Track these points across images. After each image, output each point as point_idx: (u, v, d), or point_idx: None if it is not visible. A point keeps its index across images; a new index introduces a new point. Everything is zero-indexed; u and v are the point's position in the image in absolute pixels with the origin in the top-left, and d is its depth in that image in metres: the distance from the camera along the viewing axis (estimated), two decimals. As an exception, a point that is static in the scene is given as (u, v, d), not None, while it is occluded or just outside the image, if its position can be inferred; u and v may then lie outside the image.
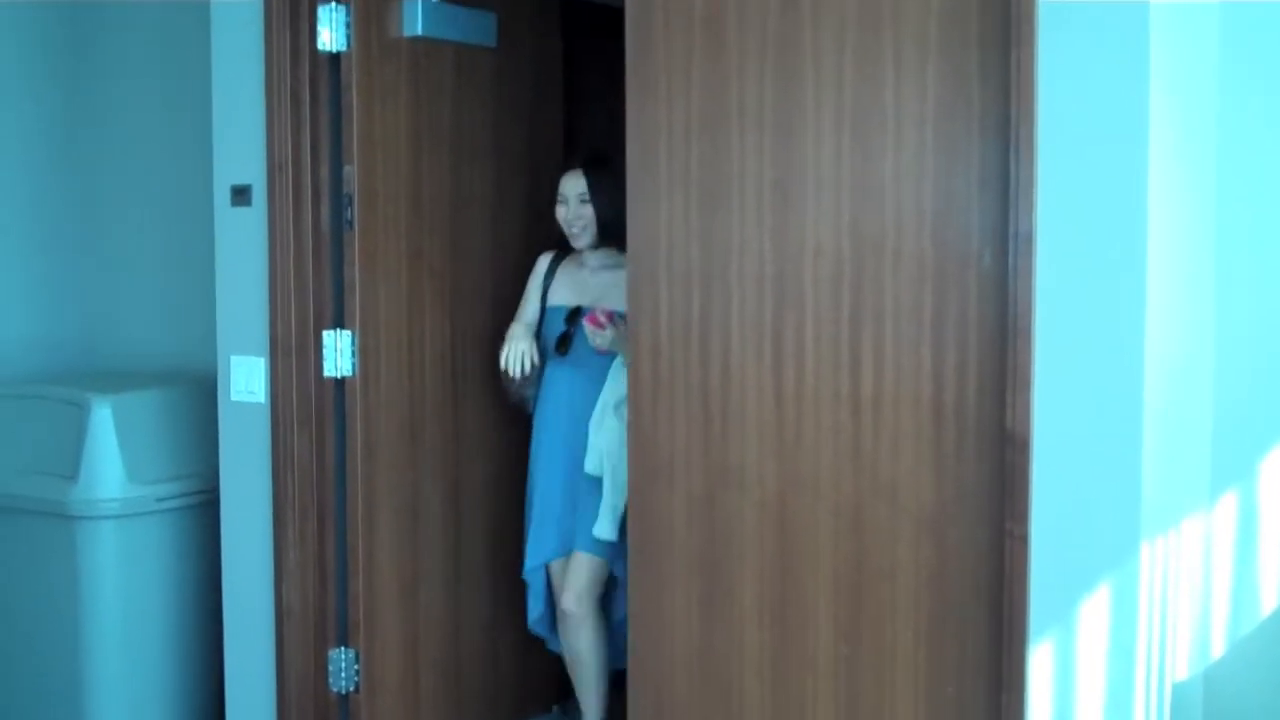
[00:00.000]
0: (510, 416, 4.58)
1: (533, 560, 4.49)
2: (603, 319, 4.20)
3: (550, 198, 4.44)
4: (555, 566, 4.50)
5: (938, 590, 3.22)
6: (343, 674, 4.20)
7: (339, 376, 4.17)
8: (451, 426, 4.45)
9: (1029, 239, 2.99)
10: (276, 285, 4.13)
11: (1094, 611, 2.99)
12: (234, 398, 4.27)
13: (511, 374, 4.33)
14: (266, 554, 4.23)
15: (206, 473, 4.48)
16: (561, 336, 4.39)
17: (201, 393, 4.54)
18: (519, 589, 4.59)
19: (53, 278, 5.08)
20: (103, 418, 4.35)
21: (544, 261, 4.53)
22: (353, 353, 4.14)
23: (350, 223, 4.11)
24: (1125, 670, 2.99)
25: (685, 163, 3.47)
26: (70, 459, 4.33)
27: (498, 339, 4.43)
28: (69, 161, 5.12)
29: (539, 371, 4.44)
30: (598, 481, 4.31)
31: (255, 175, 4.16)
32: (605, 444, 4.28)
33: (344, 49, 4.08)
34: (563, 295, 4.45)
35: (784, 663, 3.42)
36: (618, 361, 4.29)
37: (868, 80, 3.23)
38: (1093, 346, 2.97)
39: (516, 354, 4.32)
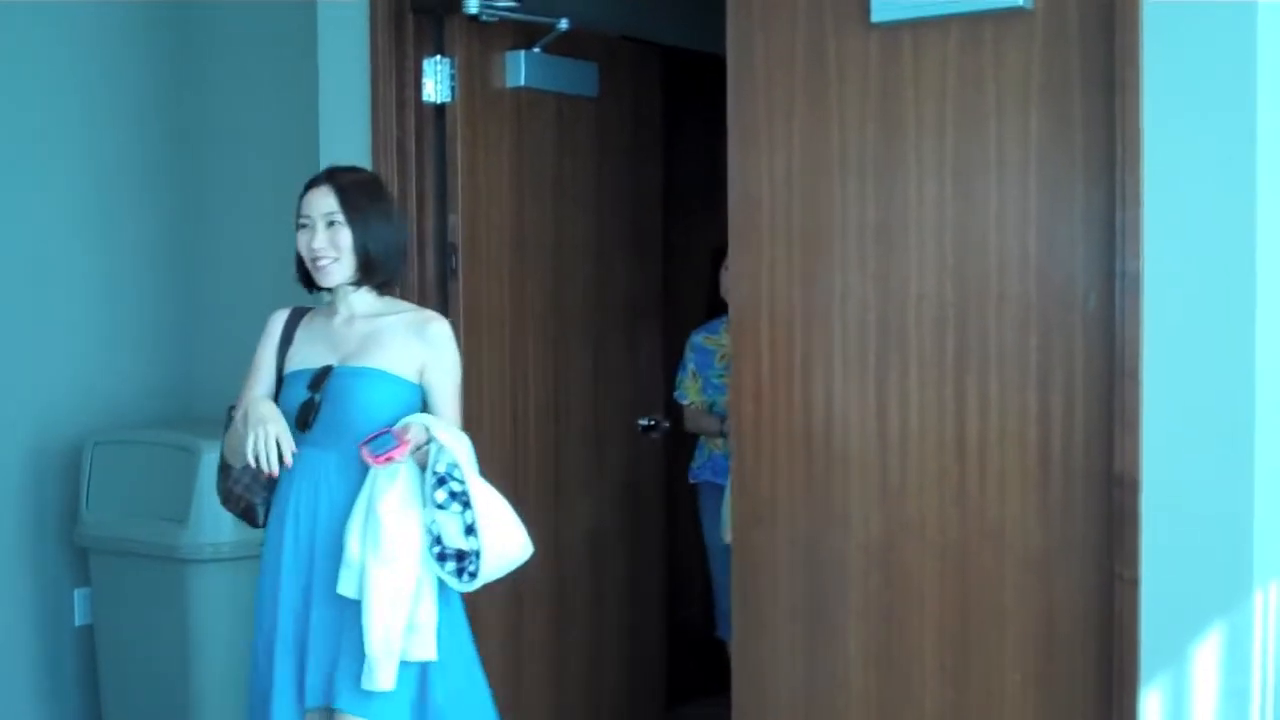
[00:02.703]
0: (614, 462, 4.60)
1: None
2: (397, 449, 3.13)
3: (651, 248, 4.46)
4: None
5: (1046, 635, 3.21)
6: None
7: (444, 422, 4.21)
8: (553, 473, 4.48)
9: (1135, 279, 2.99)
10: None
11: (1206, 655, 2.96)
12: (341, 443, 4.32)
13: (265, 467, 3.15)
14: (373, 597, 4.27)
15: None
16: (304, 406, 3.28)
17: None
18: (610, 636, 4.60)
19: (163, 325, 5.18)
20: (212, 463, 4.37)
21: (277, 320, 3.48)
22: (457, 399, 4.18)
23: (455, 271, 4.18)
24: (1239, 715, 2.95)
25: (787, 209, 3.50)
26: (181, 503, 4.41)
27: (599, 387, 4.47)
28: (179, 212, 5.23)
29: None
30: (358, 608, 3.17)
31: (362, 225, 4.22)
32: (366, 555, 3.16)
33: (448, 100, 4.16)
34: (305, 355, 3.37)
35: (889, 708, 3.41)
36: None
37: (969, 125, 3.25)
38: (1202, 387, 2.95)
39: (266, 439, 3.15)
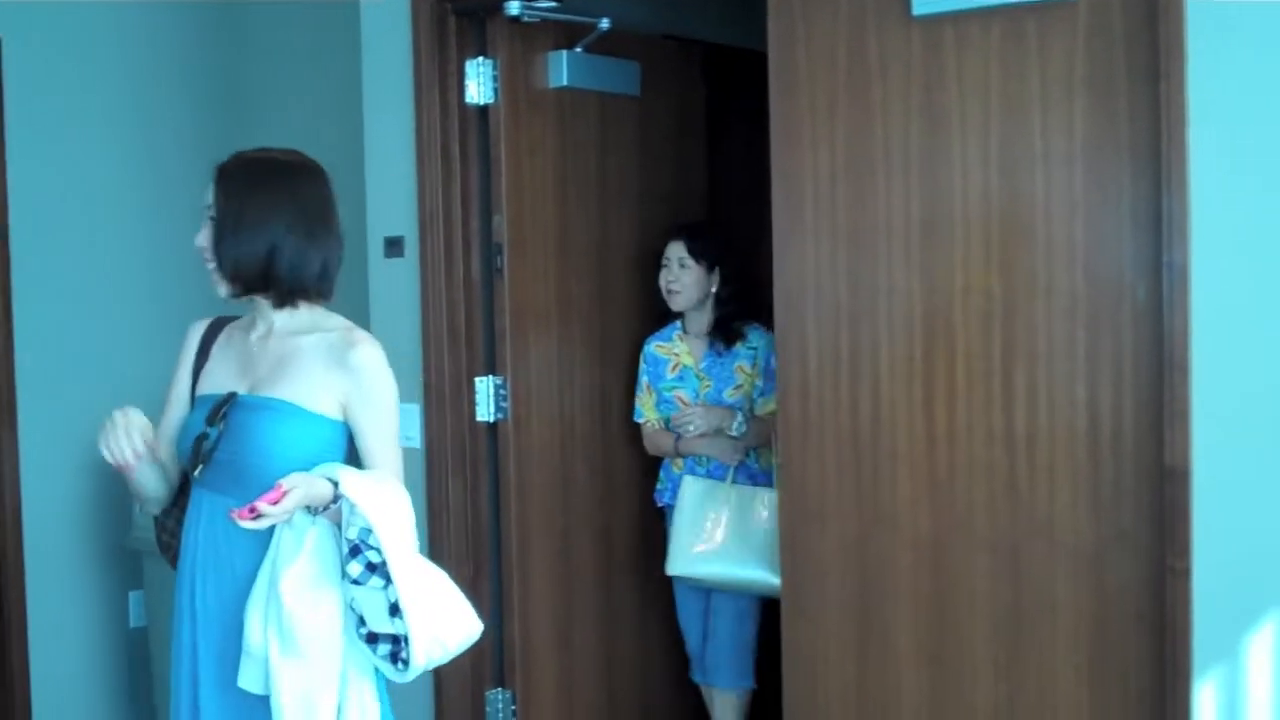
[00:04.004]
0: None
1: None
2: (268, 500, 2.58)
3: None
4: None
5: (1098, 628, 3.19)
6: (500, 715, 4.26)
7: (491, 421, 4.24)
8: (601, 470, 4.50)
9: (1183, 270, 2.97)
10: (429, 333, 4.22)
11: (1260, 647, 2.94)
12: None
13: (112, 460, 2.70)
14: (424, 597, 4.30)
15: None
16: (197, 441, 2.79)
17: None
18: (670, 630, 4.61)
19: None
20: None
21: (194, 332, 3.01)
22: (505, 398, 4.21)
23: (500, 271, 4.19)
24: (1295, 708, 2.93)
25: (831, 205, 3.50)
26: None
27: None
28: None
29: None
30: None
31: (408, 227, 4.26)
32: (269, 643, 2.66)
33: (491, 101, 4.18)
34: (216, 377, 2.91)
35: (942, 704, 3.40)
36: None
37: (1014, 119, 3.24)
38: (1251, 377, 2.93)
39: (117, 435, 2.69)
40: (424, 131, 4.21)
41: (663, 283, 4.44)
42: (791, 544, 3.62)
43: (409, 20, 4.20)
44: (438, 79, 4.20)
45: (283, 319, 2.84)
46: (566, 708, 4.39)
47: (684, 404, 4.41)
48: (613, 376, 4.54)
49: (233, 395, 2.79)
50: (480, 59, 4.17)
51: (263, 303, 2.83)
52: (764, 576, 4.17)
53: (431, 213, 4.21)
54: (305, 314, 2.85)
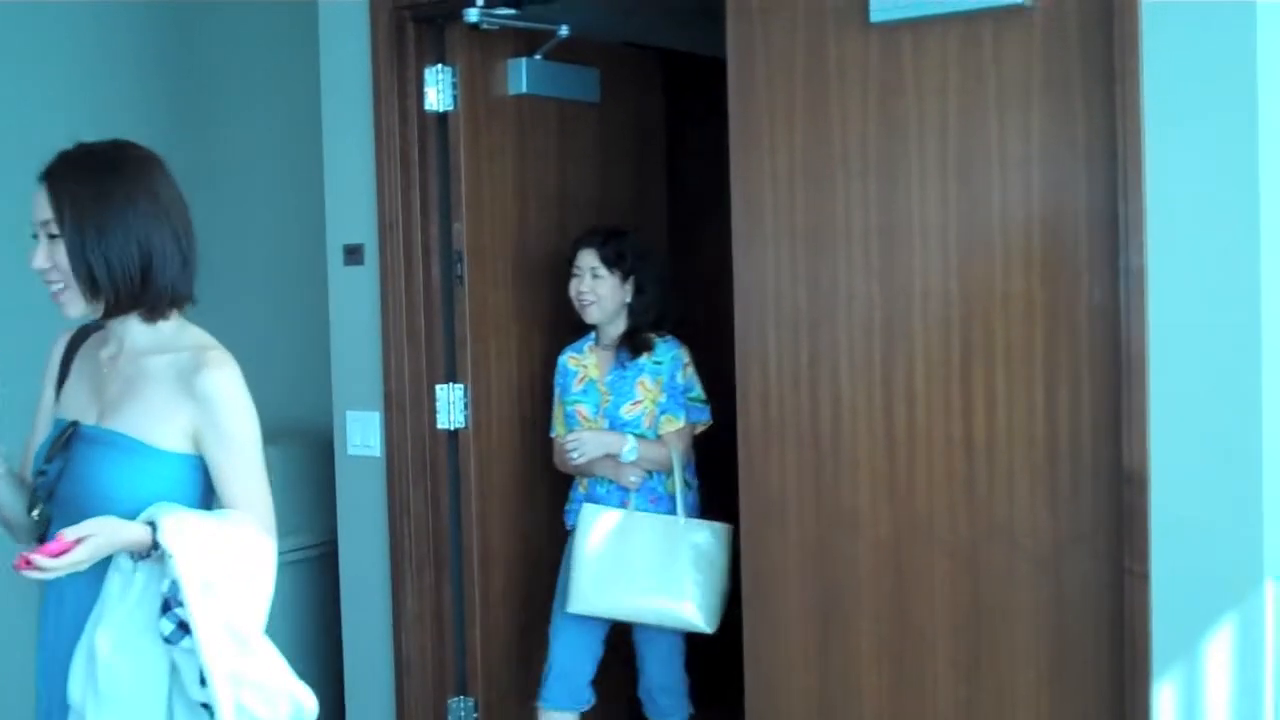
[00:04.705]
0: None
1: None
2: (46, 555, 2.28)
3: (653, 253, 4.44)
4: None
5: (1057, 631, 3.21)
6: (461, 723, 4.26)
7: (452, 429, 4.24)
8: (562, 476, 4.49)
9: (1140, 274, 3.00)
10: (390, 341, 4.21)
11: (1218, 649, 2.96)
12: (350, 452, 4.35)
13: None
14: (385, 605, 4.29)
15: (324, 526, 4.56)
16: (36, 478, 2.54)
17: (318, 447, 4.62)
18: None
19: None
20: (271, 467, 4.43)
21: (57, 347, 2.72)
22: (465, 405, 4.20)
23: (460, 278, 4.19)
24: (1252, 709, 2.95)
25: (790, 211, 3.50)
26: (197, 515, 4.41)
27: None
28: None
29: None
30: None
31: (367, 234, 4.25)
32: (86, 701, 2.41)
33: (450, 109, 4.18)
34: (71, 401, 2.61)
35: (903, 706, 3.41)
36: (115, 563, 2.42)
37: (971, 123, 3.25)
38: (1209, 380, 2.95)
39: None
40: (383, 138, 4.20)
41: (574, 293, 4.18)
42: (752, 547, 3.62)
43: (368, 27, 4.19)
44: (396, 86, 4.19)
45: (135, 335, 2.51)
46: (529, 715, 4.38)
47: (584, 420, 4.15)
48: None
49: (74, 425, 2.47)
50: (439, 66, 4.16)
51: (118, 318, 2.49)
52: (687, 617, 3.98)
53: (391, 220, 4.19)
54: (163, 328, 2.53)
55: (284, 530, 4.43)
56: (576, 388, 4.22)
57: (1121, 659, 3.09)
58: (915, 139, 3.32)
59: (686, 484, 4.11)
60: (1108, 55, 3.03)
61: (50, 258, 2.44)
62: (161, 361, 2.48)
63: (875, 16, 3.33)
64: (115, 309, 2.47)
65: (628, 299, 4.19)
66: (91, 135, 4.88)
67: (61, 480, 2.44)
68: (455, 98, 4.17)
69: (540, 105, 4.39)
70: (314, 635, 4.64)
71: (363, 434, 4.31)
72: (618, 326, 4.22)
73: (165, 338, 2.52)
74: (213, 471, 2.46)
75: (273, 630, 4.41)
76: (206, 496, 2.50)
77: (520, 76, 4.29)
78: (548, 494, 4.43)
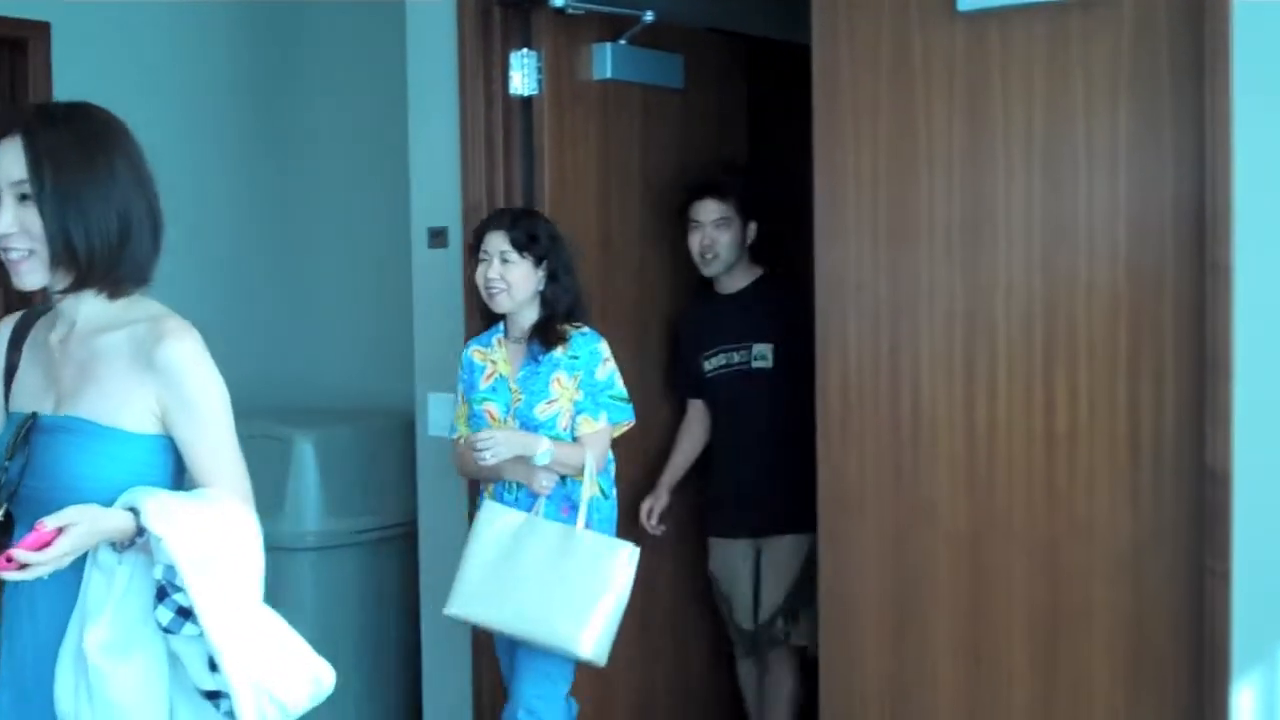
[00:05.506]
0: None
1: None
2: (28, 549, 2.10)
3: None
4: None
5: (1136, 630, 3.19)
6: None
7: (532, 412, 4.25)
8: (641, 466, 4.51)
9: (1226, 271, 2.96)
10: (472, 324, 4.23)
11: (1300, 651, 2.94)
12: (431, 433, 4.38)
13: None
14: (464, 586, 4.32)
15: (404, 506, 4.60)
16: None
17: (399, 428, 4.66)
18: (707, 624, 4.62)
19: (255, 318, 5.27)
20: (304, 453, 4.50)
21: (4, 329, 2.50)
22: (546, 390, 4.22)
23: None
24: (1333, 712, 2.92)
25: (873, 203, 3.50)
26: (274, 493, 4.48)
27: (685, 375, 4.49)
28: (270, 205, 5.32)
29: None
30: None
31: (451, 218, 4.28)
32: (81, 711, 2.24)
33: (535, 93, 4.20)
34: (25, 390, 2.40)
35: (978, 699, 3.40)
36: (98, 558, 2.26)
37: (1057, 116, 3.23)
38: (1295, 380, 2.92)
39: None
40: (468, 122, 4.22)
41: (479, 280, 3.78)
42: (829, 535, 3.63)
43: (454, 12, 4.22)
44: (482, 70, 4.21)
45: (88, 314, 2.31)
46: (602, 696, 4.40)
47: (493, 420, 3.76)
48: (651, 369, 4.54)
49: (32, 417, 2.28)
50: (525, 50, 4.18)
51: (73, 295, 2.29)
52: (562, 638, 3.54)
53: (475, 203, 4.22)
54: (116, 305, 2.32)
55: (364, 510, 4.55)
56: (484, 384, 3.82)
57: (1200, 659, 3.06)
58: (1000, 131, 3.30)
59: (603, 493, 3.79)
60: (1197, 50, 2.99)
61: (18, 221, 2.22)
62: (116, 338, 2.28)
63: (962, 6, 3.31)
64: (80, 283, 2.27)
65: (540, 287, 3.77)
66: (186, 119, 5.00)
67: (25, 477, 2.25)
68: (540, 82, 4.18)
69: (624, 90, 4.40)
70: (393, 616, 4.69)
71: (444, 415, 4.34)
72: (528, 317, 3.80)
73: (118, 314, 2.31)
74: (182, 447, 2.28)
75: (352, 607, 4.47)
76: (178, 478, 2.33)
77: (605, 61, 4.30)
78: (627, 477, 4.44)
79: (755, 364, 4.38)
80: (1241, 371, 2.97)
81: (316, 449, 4.51)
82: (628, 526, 4.30)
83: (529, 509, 3.70)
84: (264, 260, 5.33)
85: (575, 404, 3.73)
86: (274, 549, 4.33)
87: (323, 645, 4.37)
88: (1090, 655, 3.24)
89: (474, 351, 3.88)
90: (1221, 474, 2.99)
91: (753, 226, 4.41)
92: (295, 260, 5.36)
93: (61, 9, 4.69)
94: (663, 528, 4.40)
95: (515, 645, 3.76)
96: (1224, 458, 2.99)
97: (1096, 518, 3.22)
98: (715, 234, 4.35)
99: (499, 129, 4.23)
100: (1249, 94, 2.93)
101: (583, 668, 3.69)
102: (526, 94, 4.20)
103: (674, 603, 4.65)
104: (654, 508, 4.42)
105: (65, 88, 4.67)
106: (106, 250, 2.24)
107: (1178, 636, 3.12)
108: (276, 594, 4.43)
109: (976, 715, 3.40)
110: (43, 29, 4.64)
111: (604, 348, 3.77)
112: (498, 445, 3.60)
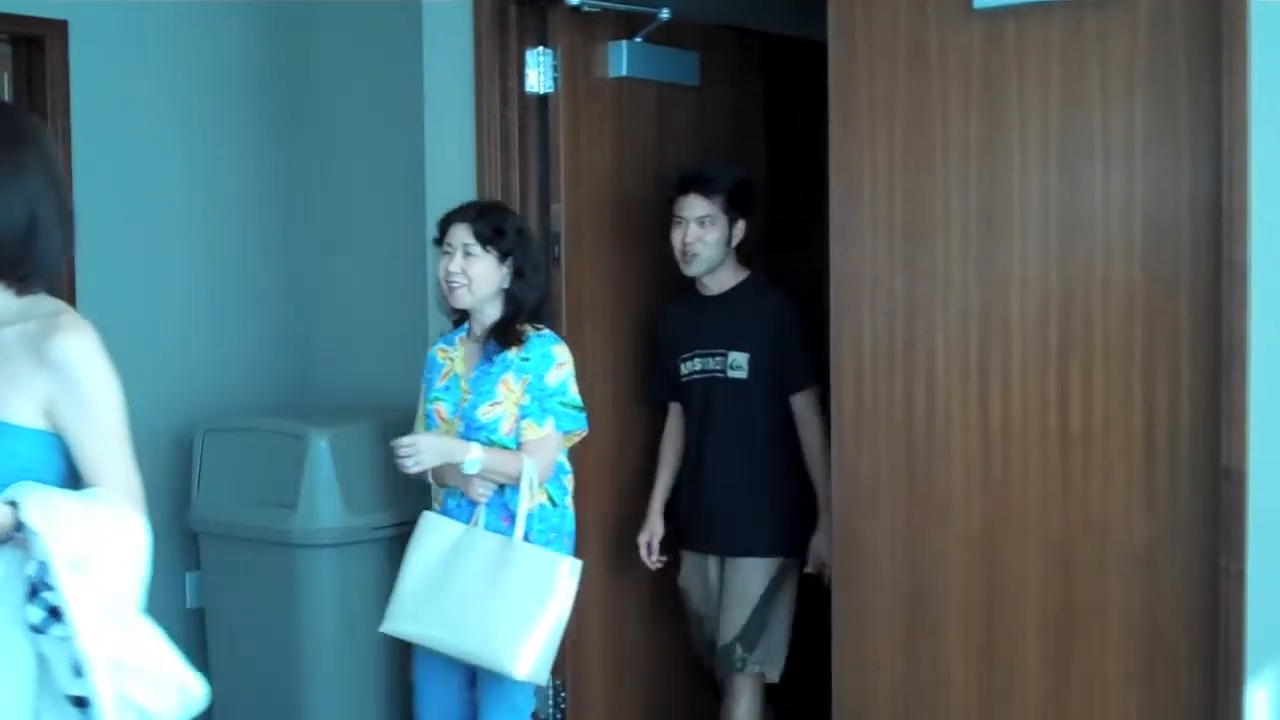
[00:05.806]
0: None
1: None
2: None
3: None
4: None
5: (1150, 628, 3.18)
6: (550, 703, 4.28)
7: (546, 411, 4.25)
8: (655, 463, 4.50)
9: (1242, 268, 2.95)
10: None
11: (1314, 650, 2.92)
12: (446, 430, 4.37)
13: None
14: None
15: (420, 503, 4.59)
16: None
17: (414, 425, 4.64)
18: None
19: (272, 314, 5.27)
20: (320, 450, 4.49)
21: None
22: (560, 386, 4.21)
23: (558, 260, 4.21)
24: (1349, 712, 2.91)
25: (889, 198, 3.49)
26: (290, 490, 4.48)
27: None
28: (287, 201, 5.32)
29: None
30: None
31: (466, 214, 4.27)
32: None
33: (551, 90, 4.20)
34: None
35: (991, 697, 3.40)
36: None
37: (1073, 113, 3.22)
38: (1311, 378, 2.91)
39: None
40: (484, 120, 4.23)
41: (441, 274, 3.67)
42: (843, 529, 3.62)
43: (470, 10, 4.22)
44: (498, 67, 4.21)
45: None
46: (615, 699, 4.41)
47: (442, 420, 3.67)
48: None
49: None
50: (540, 48, 4.18)
51: None
52: (496, 656, 3.44)
53: (490, 201, 4.22)
54: (20, 302, 2.26)
55: (380, 507, 4.55)
56: (440, 383, 3.74)
57: (1215, 658, 3.05)
58: (1017, 127, 3.30)
59: (552, 502, 3.66)
60: (1214, 48, 2.98)
61: None
62: (9, 334, 2.22)
63: (979, 3, 3.31)
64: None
65: (505, 284, 3.66)
66: (202, 116, 5.00)
67: None
68: (556, 80, 4.19)
69: (640, 88, 4.40)
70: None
71: (458, 413, 4.34)
72: (490, 315, 3.68)
73: (14, 310, 2.25)
74: (72, 446, 2.22)
75: (369, 603, 4.46)
76: (69, 481, 2.26)
77: (621, 59, 4.30)
78: (640, 477, 4.44)
79: (731, 373, 4.12)
80: (1257, 370, 2.96)
81: (332, 446, 4.50)
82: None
83: (468, 518, 3.60)
84: (279, 254, 5.33)
85: (521, 408, 3.60)
86: (290, 546, 4.44)
87: (340, 641, 4.43)
88: (1104, 654, 3.23)
89: (438, 350, 3.80)
90: (1236, 473, 2.98)
91: (741, 225, 4.13)
92: (310, 257, 5.36)
93: (79, 7, 4.69)
94: (664, 559, 4.26)
95: (476, 672, 3.64)
96: (1239, 456, 2.98)
97: (1111, 516, 3.21)
98: (699, 231, 4.05)
99: (515, 127, 4.23)
100: (1266, 92, 2.92)
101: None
102: (542, 92, 4.21)
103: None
104: (651, 541, 4.25)
105: (82, 85, 4.69)
106: (12, 246, 2.21)
107: (1192, 636, 3.11)
108: (293, 590, 4.48)
109: (990, 714, 3.40)
110: (60, 27, 4.64)
111: (560, 352, 3.65)
112: (420, 453, 3.49)
